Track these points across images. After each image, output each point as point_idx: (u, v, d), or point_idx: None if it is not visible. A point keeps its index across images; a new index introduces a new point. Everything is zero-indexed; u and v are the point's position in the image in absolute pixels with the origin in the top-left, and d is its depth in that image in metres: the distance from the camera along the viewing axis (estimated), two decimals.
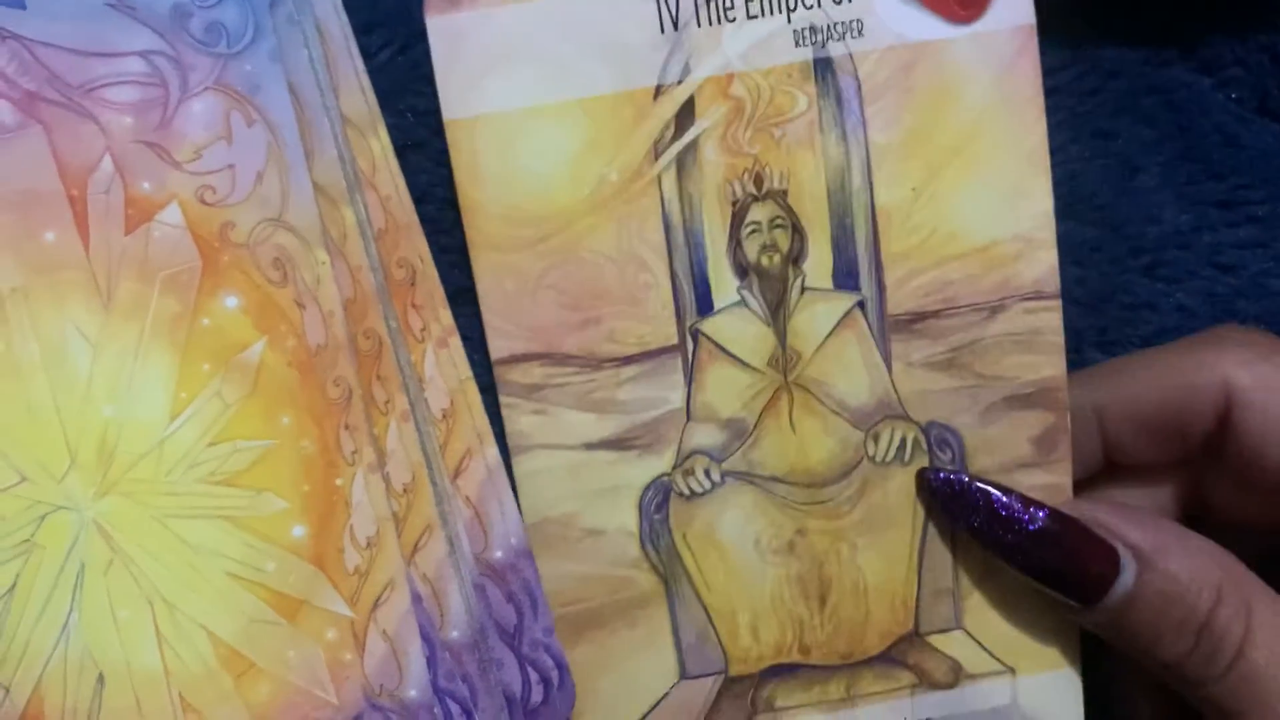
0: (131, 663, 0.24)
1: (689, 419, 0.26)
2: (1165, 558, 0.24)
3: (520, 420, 0.26)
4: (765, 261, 0.25)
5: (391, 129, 0.25)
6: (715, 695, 0.27)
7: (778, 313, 0.26)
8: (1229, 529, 0.26)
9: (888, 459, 0.26)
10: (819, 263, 0.26)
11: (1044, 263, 0.25)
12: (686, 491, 0.26)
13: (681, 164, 0.25)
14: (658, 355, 0.26)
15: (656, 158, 0.25)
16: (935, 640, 0.27)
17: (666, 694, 0.27)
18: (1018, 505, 0.25)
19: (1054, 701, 0.27)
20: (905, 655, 0.27)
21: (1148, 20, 0.28)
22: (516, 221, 0.25)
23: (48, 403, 0.24)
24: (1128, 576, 0.24)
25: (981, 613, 0.27)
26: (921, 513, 0.27)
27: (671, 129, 0.25)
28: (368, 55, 0.25)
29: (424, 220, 0.26)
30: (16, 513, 0.24)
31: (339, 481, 0.25)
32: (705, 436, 0.26)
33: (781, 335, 0.26)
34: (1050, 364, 0.26)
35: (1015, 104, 0.25)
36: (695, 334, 0.26)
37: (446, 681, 0.25)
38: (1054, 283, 0.26)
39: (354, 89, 0.25)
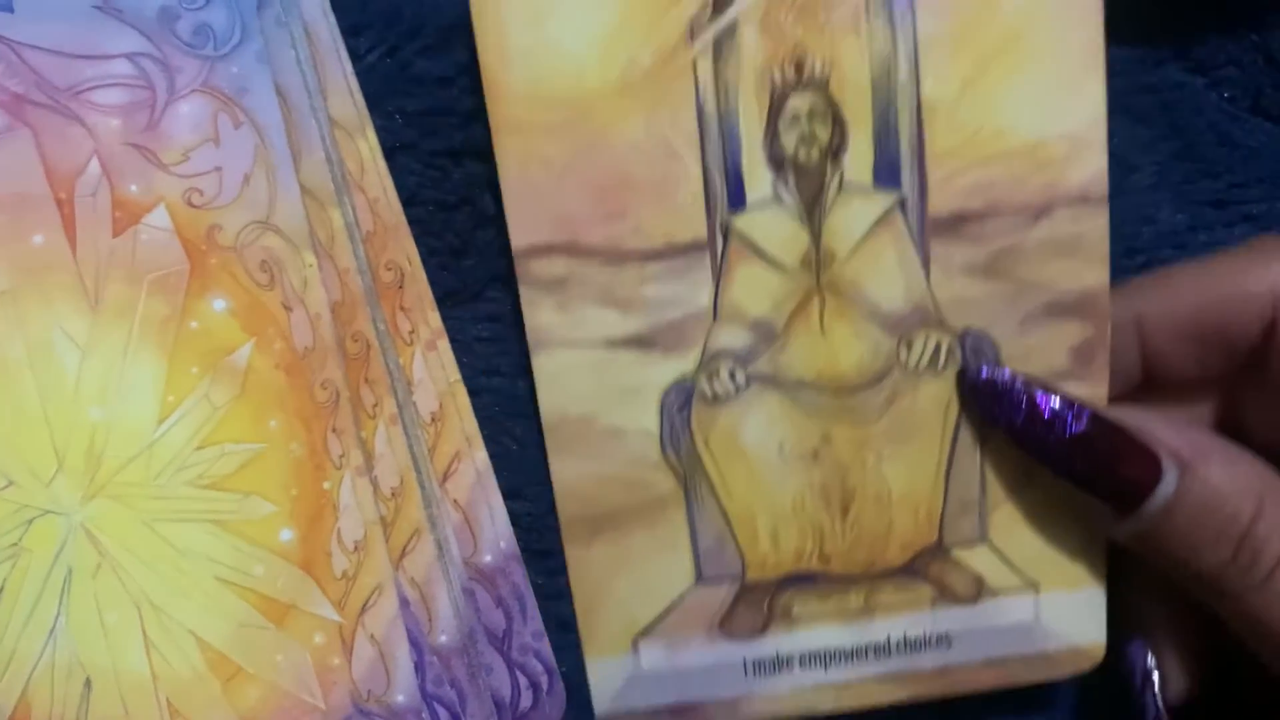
0: (119, 667, 0.24)
1: (715, 319, 0.25)
2: (1207, 466, 0.23)
3: (540, 315, 0.24)
4: (803, 155, 0.24)
5: (380, 131, 0.25)
6: (731, 601, 0.26)
7: (813, 210, 0.24)
8: (1264, 455, 0.25)
9: (921, 366, 0.25)
10: (859, 158, 0.24)
11: (1092, 165, 0.24)
12: (710, 394, 0.25)
13: (718, 48, 0.24)
14: (685, 251, 0.24)
15: (692, 39, 0.23)
16: (958, 554, 0.26)
17: (682, 597, 0.26)
18: (1061, 406, 0.24)
19: (1077, 620, 0.26)
20: (927, 568, 0.26)
21: (1141, 20, 0.28)
22: (542, 104, 0.23)
23: (35, 406, 0.24)
24: (1169, 483, 0.23)
25: (1007, 528, 0.26)
26: (951, 423, 0.26)
27: (709, 8, 0.23)
28: (356, 57, 0.25)
29: (412, 222, 0.26)
30: (4, 517, 0.24)
31: (327, 485, 0.24)
32: (731, 338, 0.25)
33: (816, 234, 0.25)
34: (1093, 272, 0.25)
35: None
36: (725, 230, 0.24)
37: (435, 687, 0.25)
38: (1101, 186, 0.24)
39: (342, 91, 0.25)
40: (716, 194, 0.24)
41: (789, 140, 0.24)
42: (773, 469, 0.26)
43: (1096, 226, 0.25)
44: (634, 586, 0.26)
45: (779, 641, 0.27)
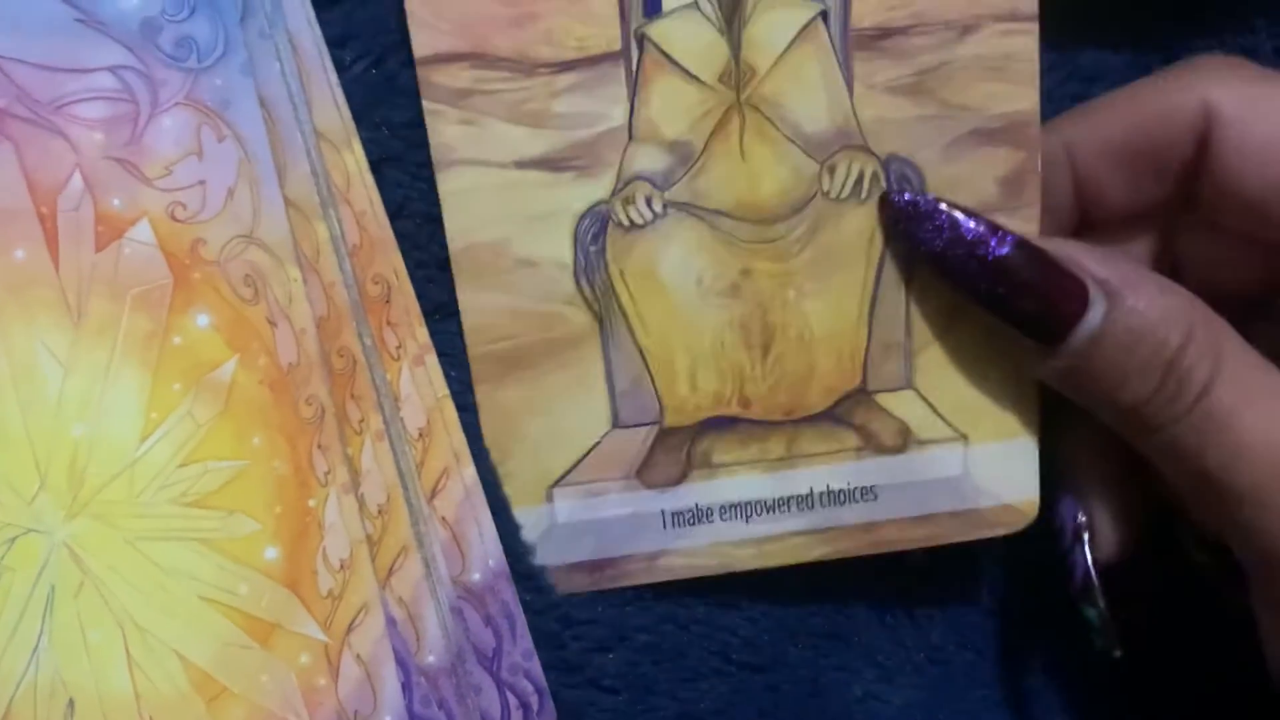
0: (102, 687, 0.24)
1: (631, 139, 0.24)
2: (1136, 295, 0.23)
3: (445, 131, 0.23)
4: None
5: (366, 143, 0.25)
6: (649, 447, 0.25)
7: (733, 19, 0.23)
8: (1198, 291, 0.24)
9: (844, 194, 0.24)
10: None
11: None
12: (626, 222, 0.24)
13: None
14: (599, 62, 0.23)
15: None
16: (883, 400, 0.25)
17: (598, 443, 0.25)
18: (984, 229, 0.23)
19: (1008, 474, 0.26)
20: (851, 414, 0.25)
21: (1128, 25, 0.28)
22: None
23: (17, 423, 0.23)
24: (1096, 312, 0.23)
25: (934, 371, 0.25)
26: (875, 257, 0.25)
27: None
28: (342, 68, 0.25)
29: (399, 235, 0.25)
30: None
31: (312, 503, 0.24)
32: (648, 160, 0.24)
33: (735, 45, 0.24)
34: (1023, 95, 0.24)
35: None
36: (641, 40, 0.23)
37: (423, 707, 0.25)
38: (1031, 5, 0.24)
39: (328, 102, 0.25)
40: (632, 0, 0.23)
41: None
42: (691, 304, 0.25)
43: (1026, 46, 0.24)
44: (548, 431, 0.25)
45: (698, 491, 0.26)
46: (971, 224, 0.24)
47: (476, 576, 0.26)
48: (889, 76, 0.24)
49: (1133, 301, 0.23)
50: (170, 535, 0.24)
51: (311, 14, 0.25)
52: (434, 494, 0.26)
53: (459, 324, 0.26)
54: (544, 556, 0.26)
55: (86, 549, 0.24)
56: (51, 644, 0.24)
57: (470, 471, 0.26)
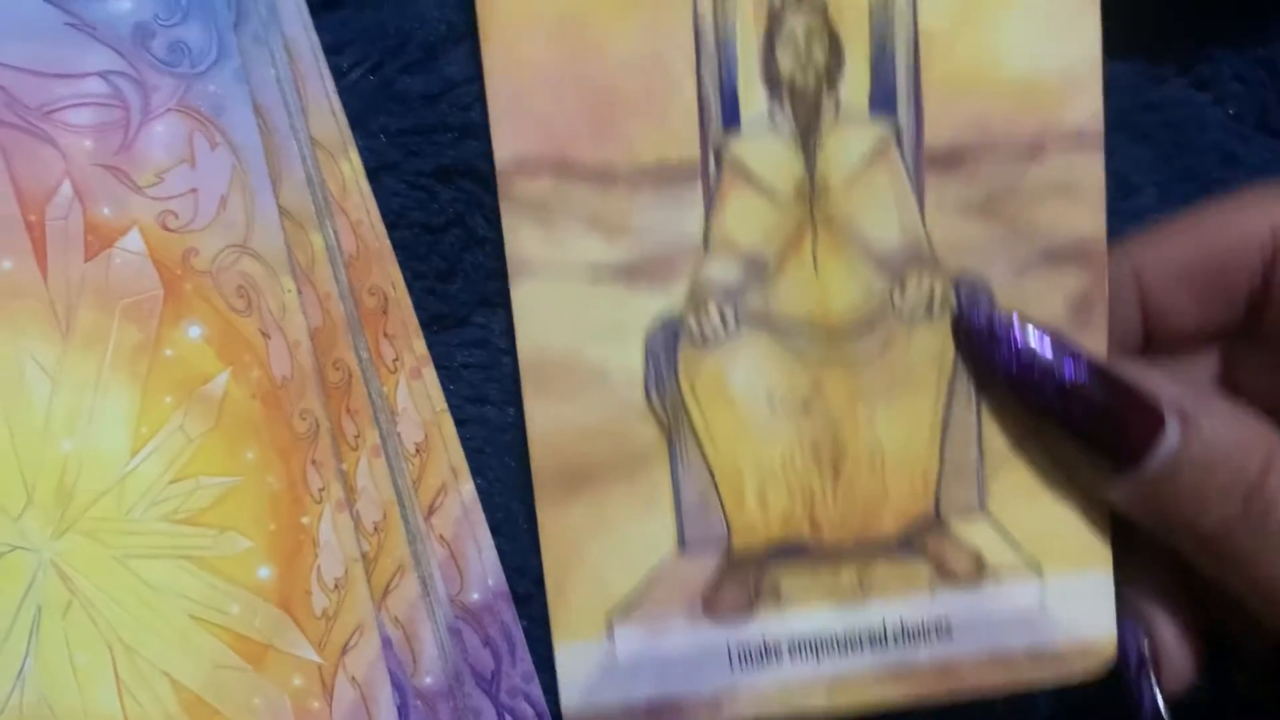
0: (89, 710, 0.23)
1: (706, 250, 0.24)
2: (1211, 420, 0.23)
3: (522, 240, 0.24)
4: (799, 76, 0.24)
5: (363, 151, 0.25)
6: (716, 576, 0.25)
7: (808, 136, 0.24)
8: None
9: (915, 311, 0.25)
10: (855, 84, 0.24)
11: (1087, 105, 0.24)
12: (699, 333, 0.25)
13: None
14: (676, 174, 0.24)
15: None
16: (956, 525, 0.25)
17: (662, 567, 0.25)
18: (1060, 351, 0.24)
19: (1085, 607, 0.25)
20: (924, 542, 0.25)
21: (1143, 36, 0.27)
22: (534, 13, 0.23)
23: (4, 438, 0.23)
24: (1172, 436, 0.23)
25: (1007, 496, 0.25)
26: (947, 375, 0.25)
27: None
28: (338, 74, 0.25)
29: (397, 245, 0.25)
30: None
31: (306, 520, 0.24)
32: (722, 271, 0.24)
33: (810, 162, 0.24)
34: (1089, 218, 0.24)
35: None
36: (718, 154, 0.24)
37: None
38: (1096, 129, 0.24)
39: (324, 109, 0.24)
40: (710, 113, 0.24)
41: (785, 60, 0.24)
42: (761, 419, 0.25)
43: (1092, 172, 0.24)
44: (610, 553, 0.25)
45: (767, 625, 0.25)
46: (1047, 345, 0.24)
47: (475, 596, 0.25)
48: (960, 196, 0.24)
49: (1210, 425, 0.23)
50: (161, 553, 0.23)
51: (308, 19, 0.24)
52: (431, 511, 0.25)
53: (458, 336, 0.25)
54: (601, 695, 0.25)
55: (74, 567, 0.23)
56: (37, 666, 0.23)
57: (469, 488, 0.25)
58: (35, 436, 0.23)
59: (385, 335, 0.25)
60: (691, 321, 0.24)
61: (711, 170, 0.24)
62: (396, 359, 0.25)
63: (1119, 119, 0.28)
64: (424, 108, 0.25)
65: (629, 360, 0.24)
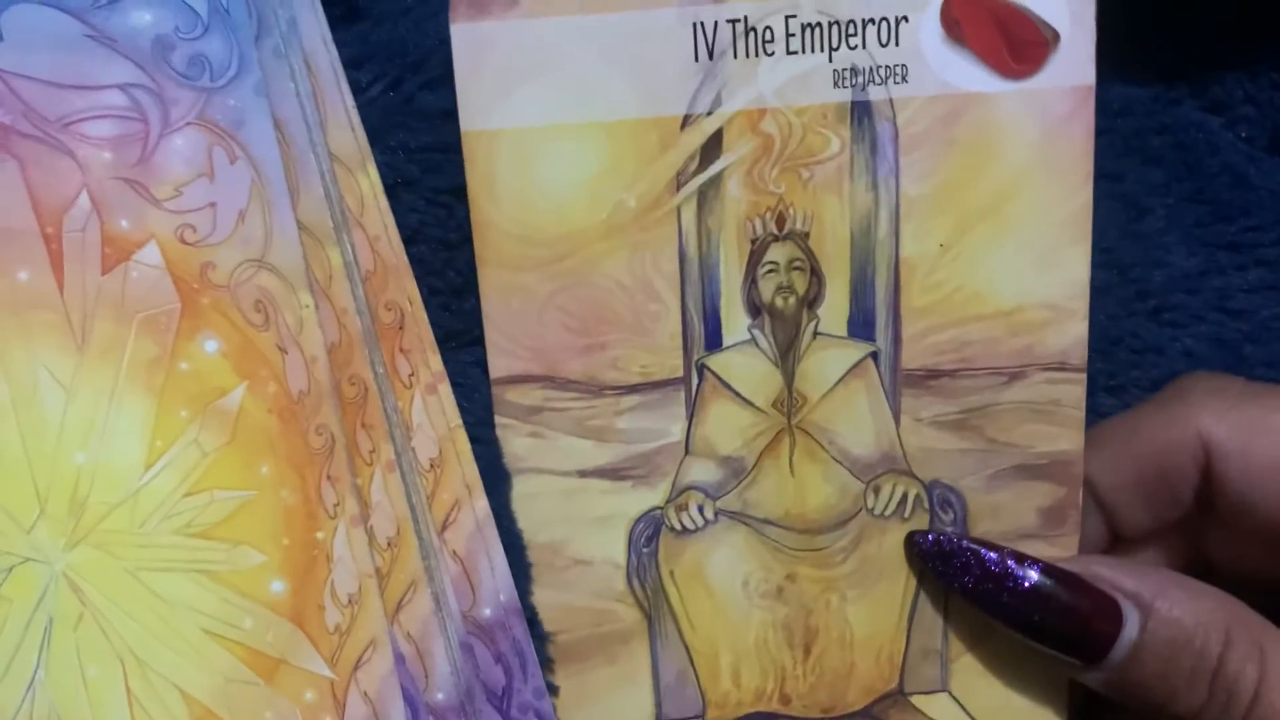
0: None
1: (687, 453, 0.25)
2: (1169, 604, 0.24)
3: (515, 442, 0.25)
4: (780, 302, 0.25)
5: (381, 166, 0.25)
6: None
7: (788, 355, 0.25)
8: (1236, 586, 0.25)
9: (887, 513, 0.26)
10: (835, 309, 0.25)
11: (1071, 334, 0.25)
12: (678, 526, 0.26)
13: (703, 197, 0.25)
14: (661, 386, 0.25)
15: (678, 188, 0.24)
16: (919, 701, 0.26)
17: None
18: (1010, 562, 0.25)
19: None
20: (887, 715, 0.27)
21: (1156, 59, 0.28)
22: (529, 241, 0.24)
23: (17, 449, 0.23)
24: (1131, 627, 0.24)
25: (969, 676, 0.26)
26: (916, 570, 0.26)
27: (696, 160, 0.24)
28: (358, 90, 0.25)
29: (414, 261, 0.25)
30: None
31: (320, 535, 0.24)
32: (702, 472, 0.26)
33: (789, 377, 0.25)
34: (1067, 437, 0.25)
35: (1060, 166, 0.24)
36: (701, 368, 0.25)
37: None
38: (1080, 355, 0.25)
39: (343, 125, 0.24)
40: (694, 334, 0.25)
41: (767, 288, 0.25)
42: (736, 604, 0.26)
43: (1073, 392, 0.25)
44: None
45: None
46: (995, 557, 0.25)
47: (487, 612, 0.25)
48: (935, 412, 0.25)
49: (1168, 612, 0.23)
50: (173, 566, 0.23)
51: (328, 34, 0.24)
52: (445, 526, 0.25)
53: (473, 353, 0.25)
54: None
55: (86, 579, 0.23)
56: (48, 678, 0.23)
57: (482, 504, 0.25)
58: (49, 448, 0.23)
59: (401, 351, 0.25)
60: (672, 514, 0.26)
61: (694, 383, 0.25)
62: (412, 374, 0.25)
63: (1132, 141, 0.28)
64: (443, 124, 0.25)
65: (612, 549, 0.26)
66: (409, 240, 0.25)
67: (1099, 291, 0.28)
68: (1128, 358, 0.28)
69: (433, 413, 0.25)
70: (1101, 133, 0.28)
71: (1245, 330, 0.28)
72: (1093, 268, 0.28)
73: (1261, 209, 0.28)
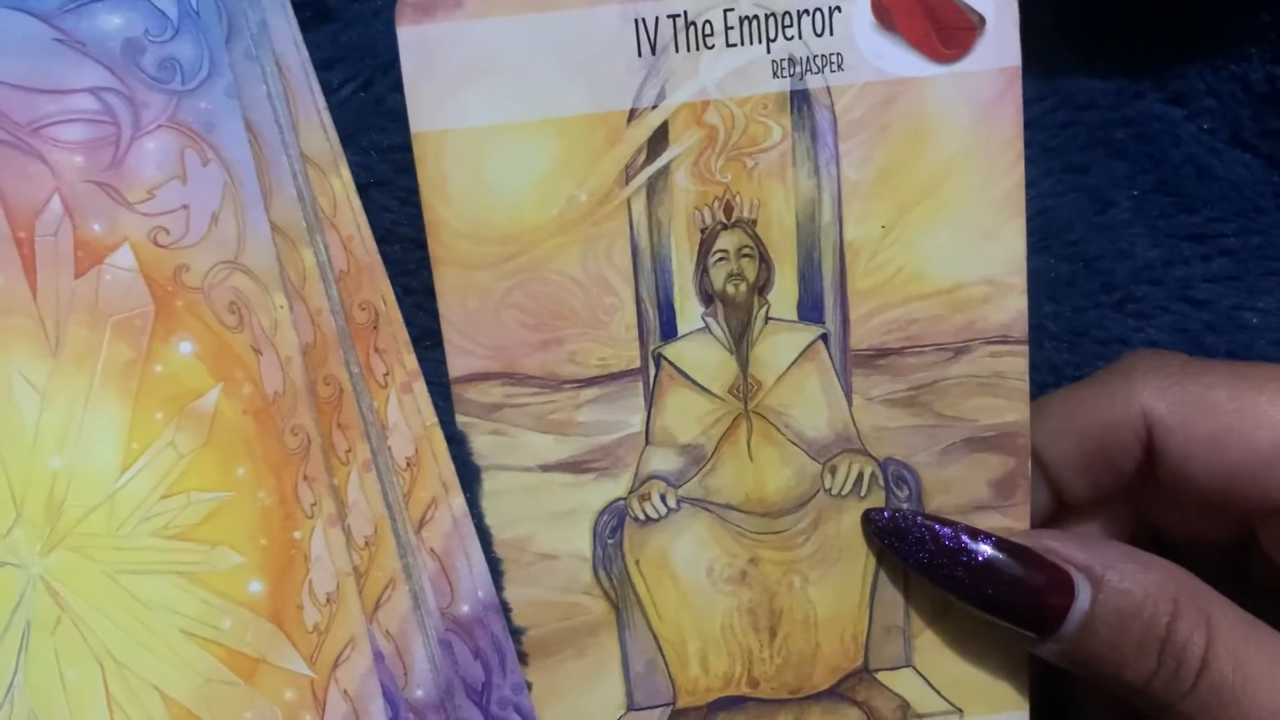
0: None
1: (647, 443, 0.26)
2: (1118, 575, 0.24)
3: (477, 440, 0.25)
4: (731, 290, 0.25)
5: (354, 166, 0.25)
6: None
7: (741, 341, 0.26)
8: (1181, 549, 0.26)
9: (844, 492, 0.26)
10: (784, 294, 0.25)
11: (1012, 308, 0.25)
12: (641, 516, 0.26)
13: (652, 189, 0.25)
14: (619, 378, 0.25)
15: (627, 181, 0.25)
16: (884, 677, 0.27)
17: None
18: (964, 538, 0.25)
19: None
20: (854, 692, 0.27)
21: (1120, 52, 0.28)
22: (482, 239, 0.24)
23: None
24: (1083, 599, 0.24)
25: (932, 651, 0.27)
26: (876, 548, 0.26)
27: (644, 153, 0.25)
28: (329, 91, 0.25)
29: (387, 261, 0.25)
30: None
31: (297, 535, 0.24)
32: (663, 461, 0.26)
33: (743, 363, 0.26)
34: (1013, 408, 0.26)
35: (993, 146, 0.25)
36: (657, 358, 0.26)
37: None
38: (1021, 327, 0.25)
39: (315, 126, 0.24)
40: (649, 325, 0.25)
41: (718, 276, 0.25)
42: (702, 591, 0.26)
43: (1016, 365, 0.26)
44: (565, 716, 0.26)
45: None
46: (949, 532, 0.25)
47: (465, 609, 0.25)
48: (886, 391, 0.26)
49: (1117, 583, 0.24)
50: (151, 569, 0.23)
51: (299, 36, 0.24)
52: (422, 524, 0.25)
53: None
54: None
55: (64, 583, 0.23)
56: (26, 682, 0.23)
57: (459, 501, 0.25)
58: (24, 453, 0.23)
59: (376, 350, 0.25)
60: (635, 505, 0.26)
61: (651, 373, 0.26)
62: (387, 374, 0.25)
63: (1096, 134, 0.28)
64: None
65: (578, 542, 0.26)
66: (382, 240, 0.25)
67: (1066, 284, 0.28)
68: (1093, 349, 0.28)
69: (408, 412, 0.25)
70: (1066, 126, 0.28)
71: (1208, 320, 0.28)
72: (1059, 260, 0.28)
73: (1223, 200, 0.28)
